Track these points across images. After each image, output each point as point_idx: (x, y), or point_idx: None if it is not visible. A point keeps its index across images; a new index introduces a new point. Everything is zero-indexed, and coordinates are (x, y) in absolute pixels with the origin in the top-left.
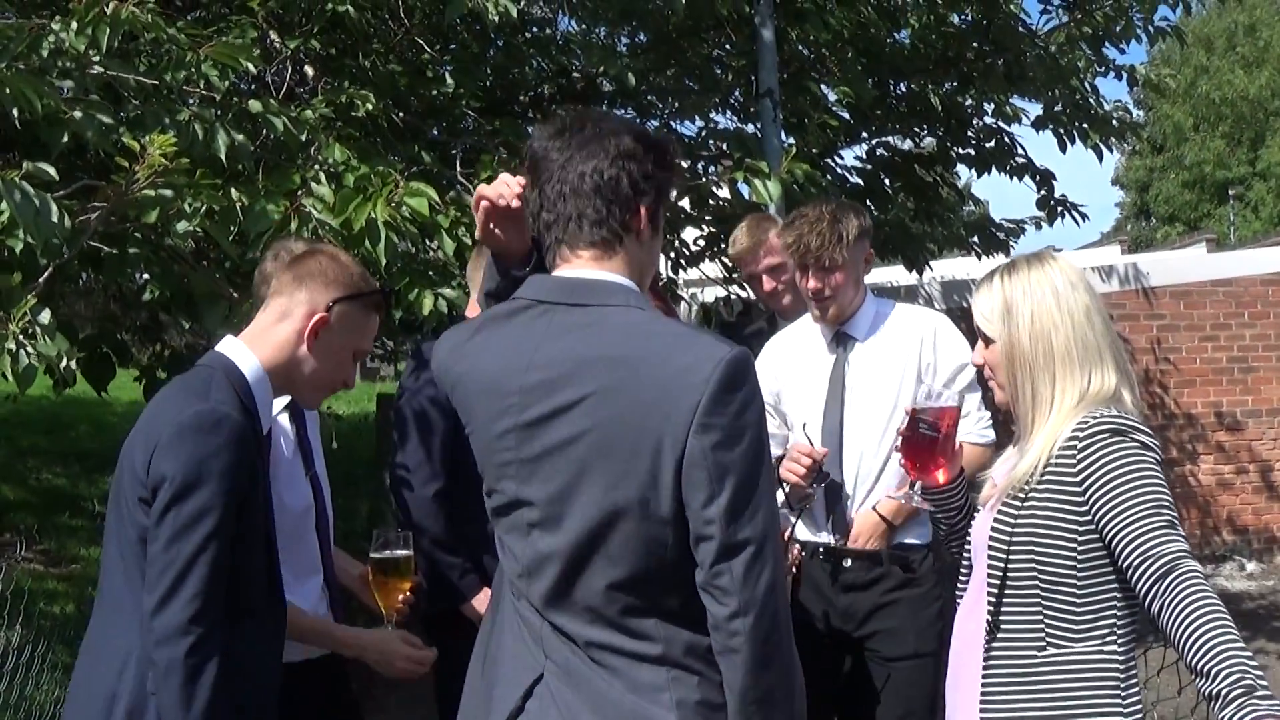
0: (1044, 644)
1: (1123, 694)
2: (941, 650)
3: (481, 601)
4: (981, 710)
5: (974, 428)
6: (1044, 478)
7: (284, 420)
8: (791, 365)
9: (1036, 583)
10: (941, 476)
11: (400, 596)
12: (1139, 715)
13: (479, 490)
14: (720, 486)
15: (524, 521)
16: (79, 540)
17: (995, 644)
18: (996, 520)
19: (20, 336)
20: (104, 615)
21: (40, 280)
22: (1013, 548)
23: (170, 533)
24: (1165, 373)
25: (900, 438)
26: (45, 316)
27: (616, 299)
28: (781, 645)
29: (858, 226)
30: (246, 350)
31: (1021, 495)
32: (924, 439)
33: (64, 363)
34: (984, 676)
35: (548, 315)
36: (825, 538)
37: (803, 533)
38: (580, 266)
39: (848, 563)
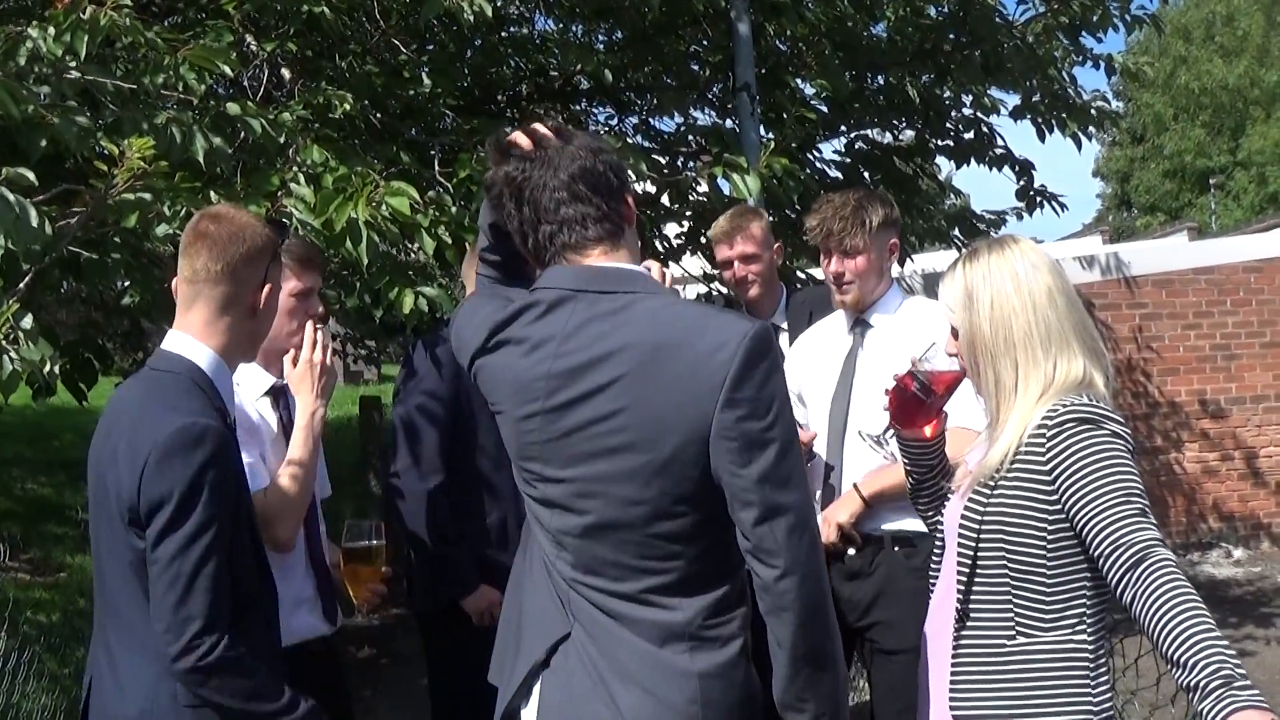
0: (1013, 632)
1: (1092, 684)
2: None
3: (481, 597)
4: (951, 699)
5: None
6: (1013, 466)
7: (266, 404)
8: (814, 352)
9: (1006, 571)
10: (928, 431)
11: (371, 585)
12: (1108, 704)
13: (479, 487)
14: (754, 455)
15: (552, 497)
16: (65, 548)
17: (965, 632)
18: (967, 508)
19: (3, 342)
20: (118, 638)
21: (21, 286)
22: (982, 536)
23: (170, 553)
24: (1148, 361)
25: (892, 387)
26: (27, 322)
27: (639, 285)
28: (826, 604)
29: (883, 215)
30: (199, 344)
31: (991, 483)
32: (913, 397)
33: (47, 368)
34: (953, 665)
35: (572, 303)
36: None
37: None
38: (594, 261)
39: (851, 551)
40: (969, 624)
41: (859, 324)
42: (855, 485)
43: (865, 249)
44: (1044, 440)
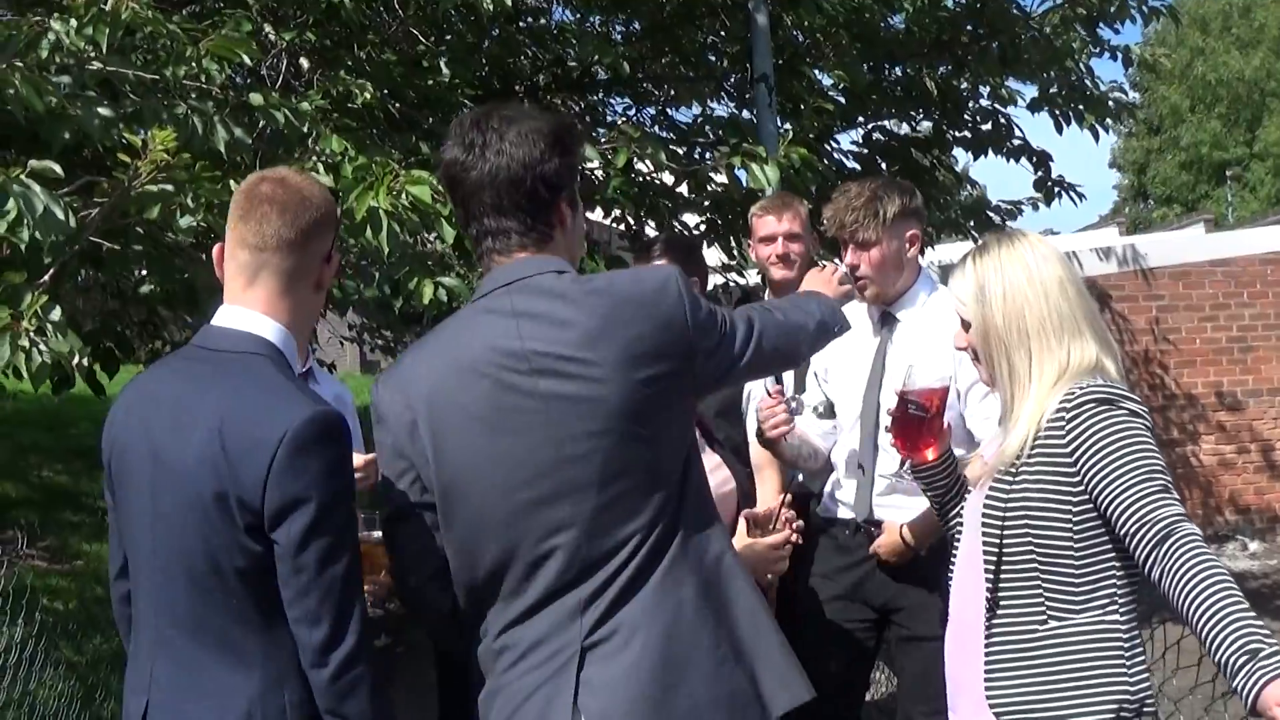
0: (1045, 617)
1: (1127, 662)
2: None
3: None
4: (986, 688)
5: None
6: (1033, 452)
7: None
8: (842, 349)
9: (1033, 557)
10: (931, 454)
11: (373, 578)
12: (1145, 683)
13: None
14: None
15: None
16: (81, 536)
17: (996, 621)
18: (989, 498)
19: (32, 334)
20: (204, 651)
21: (46, 277)
22: (1007, 524)
23: (319, 556)
24: (1165, 353)
25: (891, 418)
26: (56, 314)
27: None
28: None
29: (900, 206)
30: (266, 319)
31: (1012, 471)
32: (912, 419)
33: (76, 359)
34: (986, 654)
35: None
36: (849, 515)
37: (842, 511)
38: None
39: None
40: (1000, 612)
41: (886, 319)
42: (901, 530)
43: (879, 241)
44: (1063, 422)
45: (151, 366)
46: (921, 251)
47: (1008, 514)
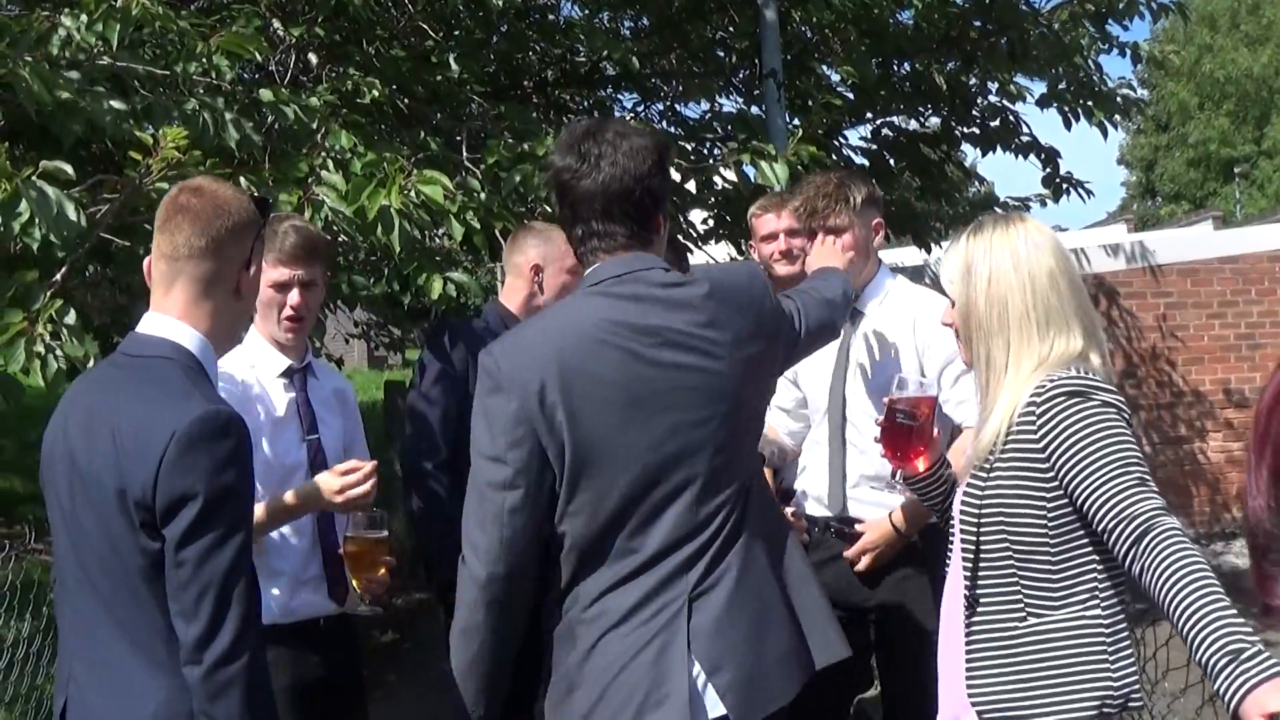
0: (1024, 614)
1: (1110, 657)
2: None
3: None
4: (968, 685)
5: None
6: (1006, 446)
7: (280, 385)
8: None
9: (1010, 553)
10: (921, 464)
11: (372, 575)
12: (1130, 676)
13: None
14: None
15: None
16: None
17: (976, 618)
18: (965, 494)
19: (47, 339)
20: (117, 652)
21: (57, 277)
22: (983, 520)
23: (201, 554)
24: (1173, 350)
25: (880, 429)
26: (71, 317)
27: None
28: None
29: (865, 193)
30: (184, 326)
31: (987, 466)
32: (902, 428)
33: (91, 363)
34: (967, 651)
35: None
36: (821, 512)
37: (811, 508)
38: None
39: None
40: (979, 610)
41: (851, 314)
42: (890, 516)
43: (850, 226)
44: (1034, 416)
45: (83, 374)
46: (927, 247)
47: (983, 511)
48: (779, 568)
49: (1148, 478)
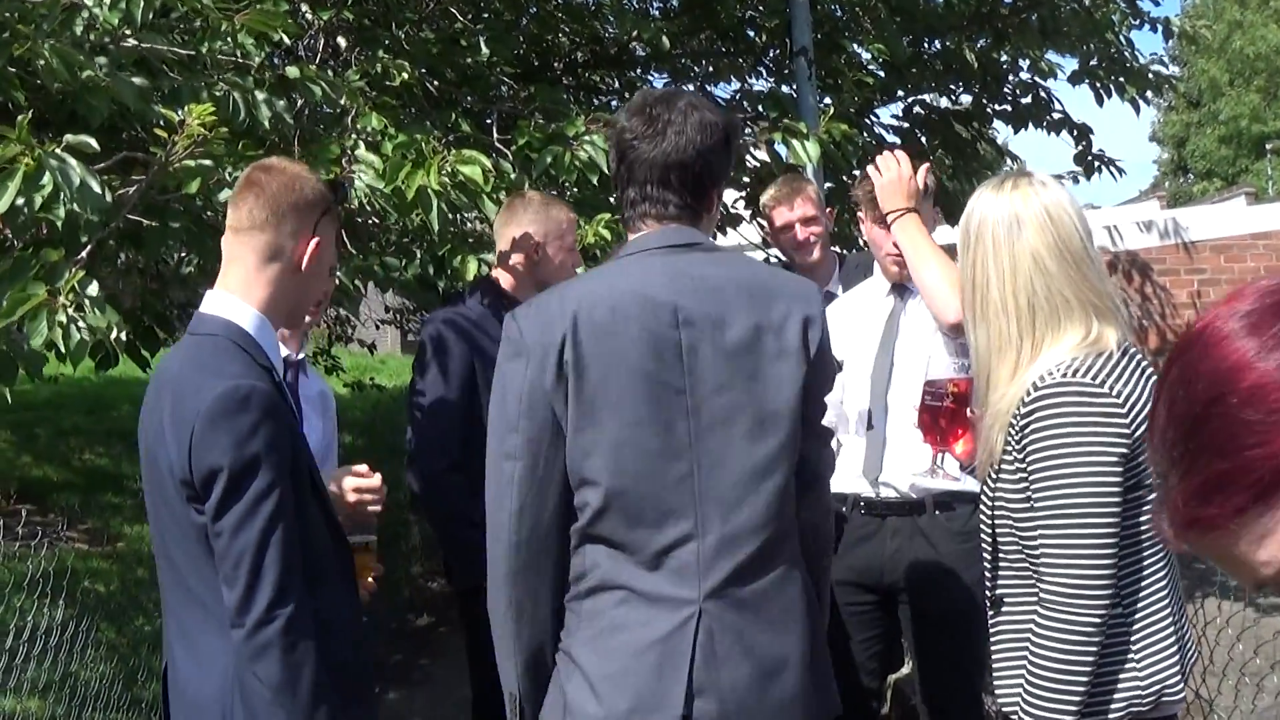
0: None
1: (1136, 656)
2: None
3: None
4: (995, 686)
5: None
6: (1006, 447)
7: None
8: (854, 316)
9: (1022, 552)
10: (960, 447)
11: (362, 581)
12: (1161, 674)
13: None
14: None
15: None
16: (123, 518)
17: (1000, 618)
18: (982, 493)
19: (70, 310)
20: (192, 617)
21: (83, 255)
22: (996, 521)
23: (234, 523)
24: None
25: (917, 412)
26: (94, 289)
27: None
28: None
29: (930, 183)
30: (240, 302)
31: (994, 467)
32: (940, 410)
33: (114, 334)
34: (993, 652)
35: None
36: (862, 486)
37: (840, 483)
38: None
39: (889, 518)
40: (1003, 610)
41: (898, 288)
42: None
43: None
44: (1016, 427)
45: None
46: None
47: (995, 510)
48: (810, 591)
49: (1097, 509)
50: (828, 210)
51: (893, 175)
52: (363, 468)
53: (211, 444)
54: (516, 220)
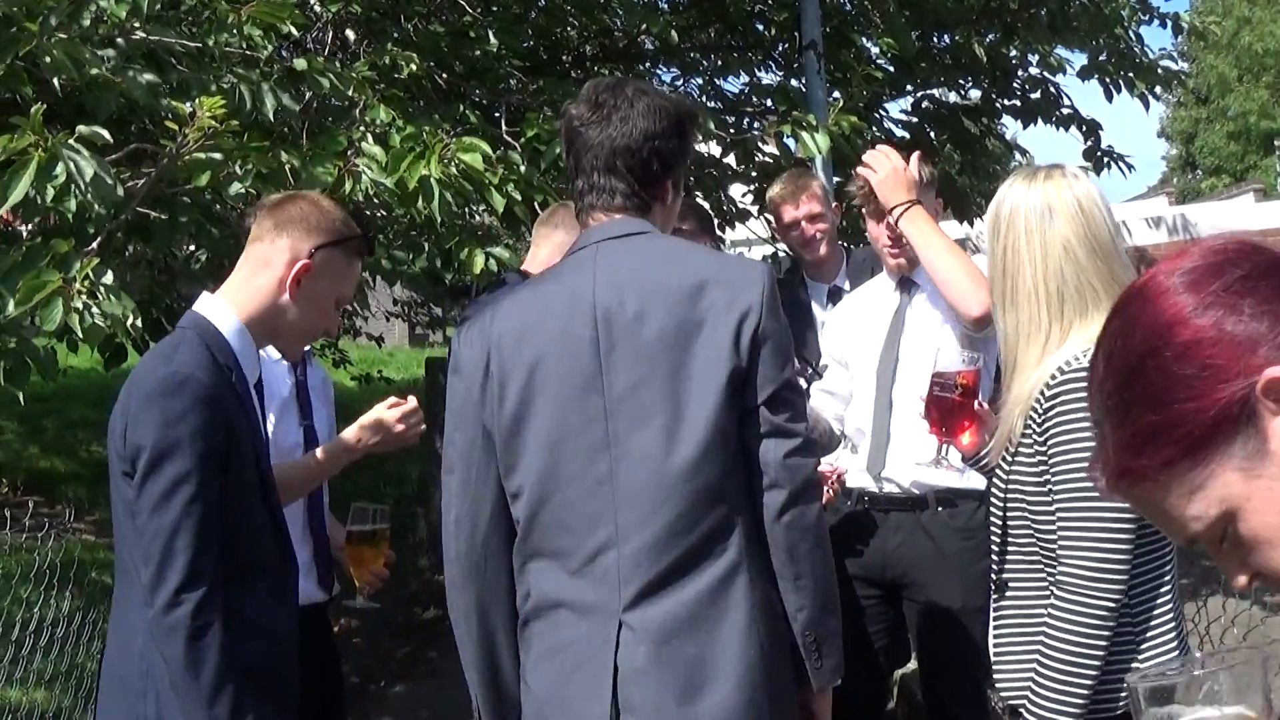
0: (1050, 597)
1: (1135, 636)
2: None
3: None
4: (995, 668)
5: None
6: (1025, 431)
7: (283, 368)
8: (860, 312)
9: (1034, 538)
10: (967, 439)
11: (373, 569)
12: (1158, 654)
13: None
14: None
15: None
16: None
17: (1004, 602)
18: (995, 478)
19: (85, 297)
20: (122, 590)
21: (93, 245)
22: (1009, 505)
23: (151, 503)
24: None
25: (923, 403)
26: (109, 277)
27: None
28: None
29: (929, 173)
30: (224, 305)
31: (1011, 450)
32: (946, 401)
33: (129, 320)
34: (994, 637)
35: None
36: (866, 481)
37: (850, 477)
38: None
39: (891, 513)
40: (1008, 593)
41: (905, 283)
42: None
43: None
44: (1039, 412)
45: None
46: (967, 222)
47: (1008, 495)
48: (765, 598)
49: (1110, 508)
50: (835, 205)
51: (887, 170)
52: (392, 399)
53: (140, 422)
54: (556, 223)
